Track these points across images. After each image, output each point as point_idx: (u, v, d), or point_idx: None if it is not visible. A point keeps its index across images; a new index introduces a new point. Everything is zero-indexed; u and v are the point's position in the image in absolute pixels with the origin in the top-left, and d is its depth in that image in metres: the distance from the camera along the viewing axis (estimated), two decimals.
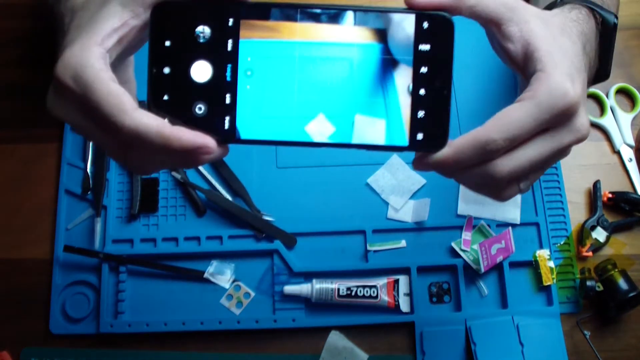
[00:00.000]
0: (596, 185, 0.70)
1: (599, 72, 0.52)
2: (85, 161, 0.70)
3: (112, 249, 0.67)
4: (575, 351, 0.65)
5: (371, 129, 0.40)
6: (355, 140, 0.40)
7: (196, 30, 0.39)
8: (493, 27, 0.43)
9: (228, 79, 0.39)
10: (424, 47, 0.39)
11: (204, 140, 0.37)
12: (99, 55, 0.38)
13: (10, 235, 0.69)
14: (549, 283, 0.65)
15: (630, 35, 0.77)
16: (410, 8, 0.40)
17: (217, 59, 0.39)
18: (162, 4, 0.39)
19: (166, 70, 0.39)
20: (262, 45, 0.39)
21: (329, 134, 0.40)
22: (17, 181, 0.71)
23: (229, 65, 0.39)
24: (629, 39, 0.76)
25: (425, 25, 0.39)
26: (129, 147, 0.38)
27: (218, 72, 0.39)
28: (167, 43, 0.39)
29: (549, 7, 0.53)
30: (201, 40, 0.39)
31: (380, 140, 0.40)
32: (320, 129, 0.40)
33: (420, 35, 0.39)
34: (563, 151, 0.42)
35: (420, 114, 0.39)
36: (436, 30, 0.39)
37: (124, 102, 0.36)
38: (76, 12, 0.43)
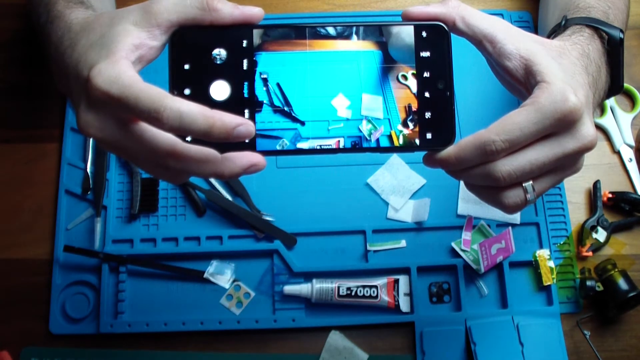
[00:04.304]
0: (596, 185, 0.70)
1: (611, 87, 0.51)
2: (85, 161, 0.70)
3: (112, 249, 0.67)
4: (575, 351, 0.65)
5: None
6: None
7: (213, 53, 0.41)
8: (488, 45, 0.43)
9: (245, 95, 0.42)
10: (425, 53, 0.43)
11: (244, 120, 0.38)
12: (129, 66, 0.39)
13: (10, 235, 0.69)
14: (549, 283, 0.65)
15: (631, 35, 0.77)
16: (407, 20, 0.43)
17: (234, 78, 0.42)
18: (180, 31, 0.41)
19: (187, 91, 0.41)
20: (275, 61, 0.42)
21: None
22: (17, 181, 0.70)
23: (246, 83, 0.42)
24: (629, 39, 0.76)
25: (424, 34, 0.43)
26: (165, 155, 0.39)
27: (235, 90, 0.42)
28: (187, 66, 0.41)
29: (552, 32, 0.53)
30: (218, 62, 0.41)
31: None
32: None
33: (420, 43, 0.43)
34: (569, 159, 0.42)
35: (427, 114, 0.42)
36: (434, 38, 0.43)
37: (163, 91, 0.37)
38: (78, 32, 0.43)
